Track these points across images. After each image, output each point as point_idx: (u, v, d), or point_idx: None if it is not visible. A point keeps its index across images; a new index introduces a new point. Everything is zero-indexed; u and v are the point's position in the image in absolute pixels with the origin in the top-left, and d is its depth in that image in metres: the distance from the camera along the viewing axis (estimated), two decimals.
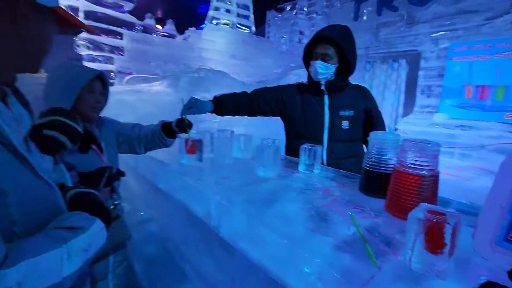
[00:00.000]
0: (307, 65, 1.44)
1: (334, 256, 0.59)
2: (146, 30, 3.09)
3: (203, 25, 3.72)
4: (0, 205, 0.44)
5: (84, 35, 2.69)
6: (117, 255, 1.34)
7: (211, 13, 3.70)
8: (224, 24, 3.75)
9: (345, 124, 1.38)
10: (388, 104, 4.20)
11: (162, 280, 1.31)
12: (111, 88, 2.80)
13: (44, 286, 0.44)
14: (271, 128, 4.16)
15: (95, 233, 0.56)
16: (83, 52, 2.74)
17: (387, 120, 3.25)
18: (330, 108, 1.40)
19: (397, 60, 4.12)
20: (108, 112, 2.74)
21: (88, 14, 2.66)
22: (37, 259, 0.43)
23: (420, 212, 0.57)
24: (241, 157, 1.55)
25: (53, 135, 0.63)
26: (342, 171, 1.33)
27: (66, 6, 2.56)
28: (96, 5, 2.68)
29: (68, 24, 0.57)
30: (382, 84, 4.32)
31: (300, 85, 1.54)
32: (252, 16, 4.03)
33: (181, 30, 3.51)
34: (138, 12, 3.12)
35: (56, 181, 0.61)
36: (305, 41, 4.81)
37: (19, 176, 0.47)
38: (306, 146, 1.30)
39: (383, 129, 1.42)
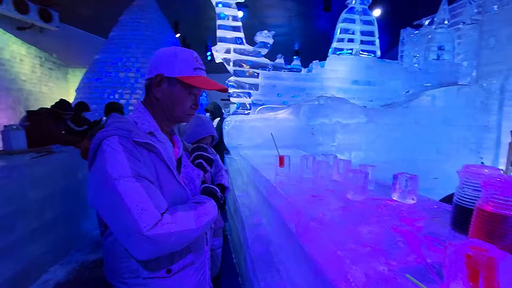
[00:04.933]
0: None
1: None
2: (277, 67, 3.71)
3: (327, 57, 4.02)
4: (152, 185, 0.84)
5: (232, 78, 3.57)
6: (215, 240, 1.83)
7: (334, 44, 3.96)
8: (347, 53, 3.92)
9: None
10: None
11: (263, 276, 1.61)
12: (247, 117, 3.52)
13: (186, 228, 0.81)
14: (397, 152, 3.86)
15: (210, 206, 0.92)
16: (231, 90, 3.61)
17: None
18: None
19: None
20: (242, 136, 3.47)
21: (236, 62, 3.53)
22: (183, 213, 0.82)
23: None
24: (340, 180, 1.69)
25: (200, 162, 1.10)
26: (449, 205, 1.23)
27: (222, 59, 3.51)
28: (242, 55, 3.52)
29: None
30: None
31: None
32: (377, 41, 3.99)
33: (306, 64, 3.96)
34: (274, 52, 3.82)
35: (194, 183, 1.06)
36: (446, 56, 4.20)
37: (167, 177, 0.90)
38: (400, 174, 1.31)
39: None
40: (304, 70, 3.81)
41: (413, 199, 1.28)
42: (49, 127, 3.39)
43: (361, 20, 3.90)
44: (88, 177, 0.84)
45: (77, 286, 2.43)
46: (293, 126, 3.52)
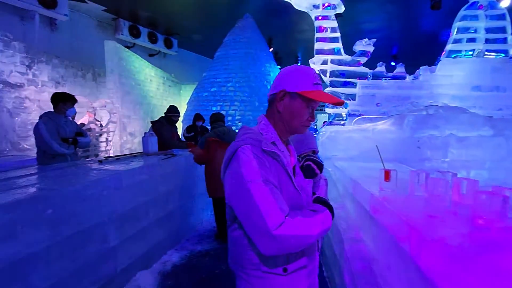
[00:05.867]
0: None
1: None
2: (377, 76, 3.52)
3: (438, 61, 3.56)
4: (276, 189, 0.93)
5: (328, 89, 3.56)
6: None
7: (449, 47, 3.47)
8: (466, 55, 3.38)
9: None
10: None
11: None
12: (342, 128, 3.44)
13: (305, 233, 0.88)
14: None
15: (326, 216, 0.97)
16: None
17: None
18: None
19: None
20: (337, 147, 3.40)
21: (332, 73, 3.52)
22: (303, 219, 0.90)
23: None
24: (462, 202, 1.48)
25: (309, 164, 1.16)
26: None
27: (319, 70, 3.55)
28: (339, 65, 3.49)
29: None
30: None
31: None
32: (510, 38, 3.29)
33: (412, 70, 3.60)
34: (373, 60, 3.65)
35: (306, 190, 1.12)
36: None
37: (287, 183, 0.99)
38: None
39: None
40: (409, 78, 3.47)
41: None
42: (166, 133, 4.15)
43: (486, 16, 3.30)
44: (225, 179, 1.01)
45: (188, 270, 2.84)
46: (395, 138, 3.23)
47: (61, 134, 2.92)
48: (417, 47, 10.41)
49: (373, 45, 3.62)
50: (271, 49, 9.50)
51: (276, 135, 1.06)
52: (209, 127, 5.70)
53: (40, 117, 2.85)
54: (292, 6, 4.75)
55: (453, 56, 3.41)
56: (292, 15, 7.28)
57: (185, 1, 6.97)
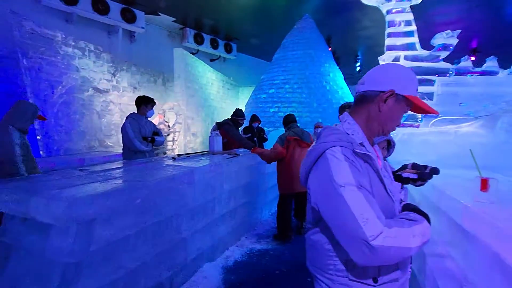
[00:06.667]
0: None
1: None
2: (461, 72, 3.12)
3: None
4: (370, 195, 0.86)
5: None
6: None
7: None
8: None
9: None
10: None
11: None
12: (417, 130, 3.14)
13: (404, 245, 0.80)
14: None
15: (425, 227, 0.86)
16: None
17: None
18: None
19: None
20: (411, 150, 3.13)
21: None
22: (401, 229, 0.81)
23: None
24: None
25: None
26: None
27: None
28: (414, 61, 3.19)
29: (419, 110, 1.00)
30: None
31: None
32: None
33: (507, 64, 3.08)
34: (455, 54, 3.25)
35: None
36: None
37: (379, 188, 0.92)
38: None
39: None
40: (502, 72, 2.98)
41: None
42: (232, 134, 4.31)
43: None
44: (310, 182, 0.97)
45: (249, 267, 2.89)
46: (484, 142, 2.79)
47: (142, 133, 3.27)
48: (504, 39, 8.98)
49: (456, 38, 3.20)
50: (330, 48, 9.19)
51: (363, 135, 0.99)
52: (265, 128, 5.85)
53: (127, 118, 3.24)
54: (354, 3, 4.49)
55: None
56: (353, 12, 6.93)
57: (245, 6, 7.20)
